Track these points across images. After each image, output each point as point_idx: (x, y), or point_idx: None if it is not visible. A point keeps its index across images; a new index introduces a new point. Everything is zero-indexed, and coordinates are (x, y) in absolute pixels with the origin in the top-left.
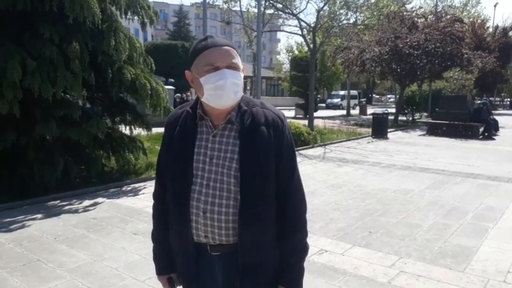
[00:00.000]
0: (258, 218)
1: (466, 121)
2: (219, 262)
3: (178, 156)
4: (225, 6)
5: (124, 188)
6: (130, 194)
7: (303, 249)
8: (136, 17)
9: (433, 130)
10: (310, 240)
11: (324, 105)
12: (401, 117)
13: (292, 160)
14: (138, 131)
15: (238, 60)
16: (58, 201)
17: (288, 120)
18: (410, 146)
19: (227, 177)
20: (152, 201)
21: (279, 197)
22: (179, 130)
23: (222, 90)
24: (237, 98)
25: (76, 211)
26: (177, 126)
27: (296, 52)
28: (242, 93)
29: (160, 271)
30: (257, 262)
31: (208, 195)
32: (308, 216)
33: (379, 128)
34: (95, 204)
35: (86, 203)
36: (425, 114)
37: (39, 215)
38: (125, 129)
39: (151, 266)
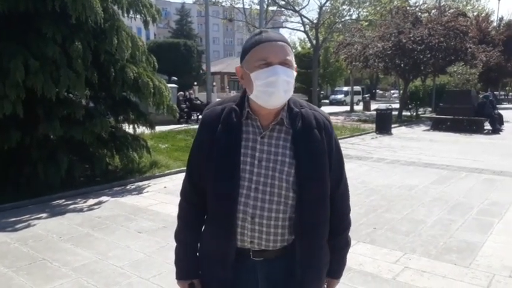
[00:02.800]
0: (316, 223)
1: (470, 116)
2: (262, 268)
3: (224, 157)
4: (228, 3)
5: (128, 187)
6: (134, 193)
7: (348, 243)
8: (138, 16)
9: (437, 125)
10: None
11: (327, 101)
12: (405, 113)
13: (342, 163)
14: (141, 130)
15: (292, 58)
16: (63, 200)
17: None
18: (414, 141)
19: (279, 181)
20: (179, 198)
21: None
22: (222, 128)
23: (273, 87)
24: (286, 97)
25: (80, 210)
26: (219, 123)
27: (299, 48)
28: (292, 93)
29: (183, 275)
30: (315, 269)
31: (256, 199)
32: None
33: (383, 123)
34: (100, 202)
35: (91, 201)
36: (429, 109)
37: (44, 214)
38: (128, 128)
39: (156, 264)
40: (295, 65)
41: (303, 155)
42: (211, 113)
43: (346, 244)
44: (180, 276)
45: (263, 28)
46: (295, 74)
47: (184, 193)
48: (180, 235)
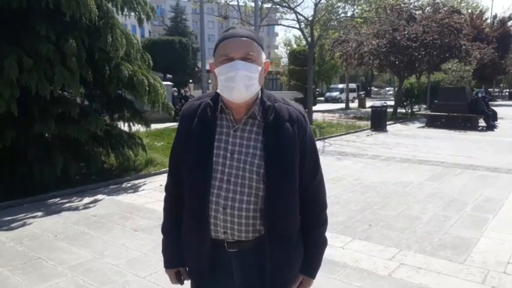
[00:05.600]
0: (284, 213)
1: (464, 113)
2: (236, 259)
3: (197, 149)
4: (222, 0)
5: (123, 185)
6: (130, 191)
7: (324, 242)
8: (132, 13)
9: (432, 122)
10: None
11: (323, 98)
12: (400, 110)
13: (316, 158)
14: (137, 128)
15: (256, 53)
16: (58, 198)
17: None
18: (409, 138)
19: (249, 173)
20: (164, 193)
21: (302, 193)
22: (198, 122)
23: (232, 82)
24: (250, 92)
25: (76, 208)
26: (195, 118)
27: (294, 46)
28: (257, 88)
29: (169, 264)
30: (285, 258)
31: (228, 191)
32: None
33: (378, 120)
34: (95, 201)
35: (86, 200)
36: (424, 106)
37: (39, 213)
38: (124, 126)
39: (152, 262)
40: (264, 60)
41: (272, 147)
42: (190, 108)
43: (322, 244)
44: (166, 265)
45: (234, 26)
46: (259, 68)
47: (167, 187)
48: (165, 227)
